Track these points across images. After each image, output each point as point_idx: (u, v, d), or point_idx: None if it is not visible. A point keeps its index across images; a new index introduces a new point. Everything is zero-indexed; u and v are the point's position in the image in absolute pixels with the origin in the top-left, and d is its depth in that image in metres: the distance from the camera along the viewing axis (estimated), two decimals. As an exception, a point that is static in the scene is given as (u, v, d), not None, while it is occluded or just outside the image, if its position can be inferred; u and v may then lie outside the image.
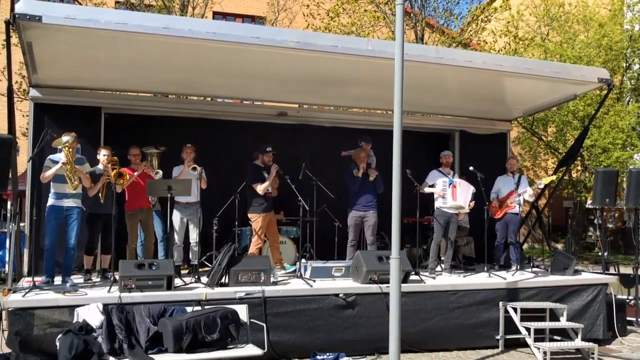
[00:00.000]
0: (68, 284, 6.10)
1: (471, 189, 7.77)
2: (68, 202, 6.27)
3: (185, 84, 8.38)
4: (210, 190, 7.38)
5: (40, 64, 6.86)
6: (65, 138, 6.15)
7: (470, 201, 7.76)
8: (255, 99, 9.66)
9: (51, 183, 6.27)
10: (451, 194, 7.70)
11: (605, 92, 8.77)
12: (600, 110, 12.12)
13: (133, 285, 5.67)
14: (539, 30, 18.22)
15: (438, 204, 7.79)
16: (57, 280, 6.29)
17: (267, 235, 7.55)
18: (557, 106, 12.99)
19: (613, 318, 7.43)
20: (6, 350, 5.45)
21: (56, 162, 6.18)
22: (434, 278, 7.26)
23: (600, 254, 10.68)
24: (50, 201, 6.29)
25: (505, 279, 7.19)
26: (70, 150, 6.18)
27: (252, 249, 7.44)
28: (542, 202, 11.41)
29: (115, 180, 6.54)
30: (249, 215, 7.49)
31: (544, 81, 7.84)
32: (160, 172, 7.11)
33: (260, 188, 7.35)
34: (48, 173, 6.16)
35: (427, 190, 7.87)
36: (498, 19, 15.66)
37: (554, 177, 8.99)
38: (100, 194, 6.61)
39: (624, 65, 17.06)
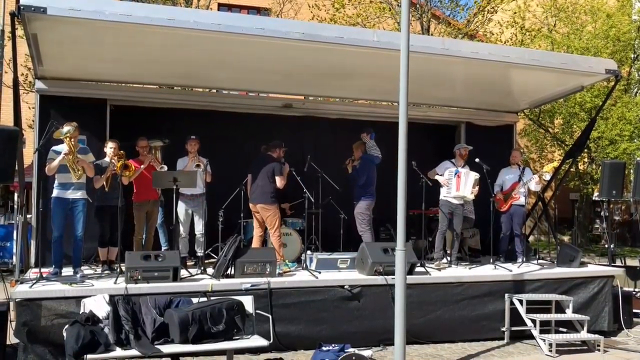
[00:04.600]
0: (78, 275, 6.14)
1: (471, 175, 7.77)
2: (73, 194, 6.29)
3: (191, 76, 8.37)
4: (216, 182, 7.39)
5: (46, 56, 6.86)
6: (65, 129, 6.15)
7: (474, 187, 7.75)
8: (261, 90, 9.64)
9: (56, 174, 6.29)
10: (455, 184, 7.69)
11: (612, 83, 8.68)
12: (608, 101, 12.01)
13: (139, 277, 5.71)
14: (546, 21, 18.06)
15: (443, 193, 7.80)
16: (65, 271, 6.33)
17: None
18: (564, 98, 12.91)
19: (619, 310, 7.41)
20: (14, 340, 5.50)
21: (59, 153, 6.20)
22: (439, 270, 7.25)
23: (606, 246, 10.63)
24: (55, 193, 6.31)
25: (510, 271, 7.18)
26: (72, 140, 6.19)
27: (280, 244, 7.29)
28: (549, 194, 11.35)
29: (121, 172, 6.56)
30: (267, 207, 7.22)
31: (551, 72, 7.78)
32: (165, 167, 7.13)
33: (282, 183, 7.28)
34: (52, 164, 6.19)
35: (436, 176, 7.87)
36: (504, 10, 15.53)
37: (555, 163, 8.96)
38: (105, 183, 6.63)
39: (632, 56, 16.90)
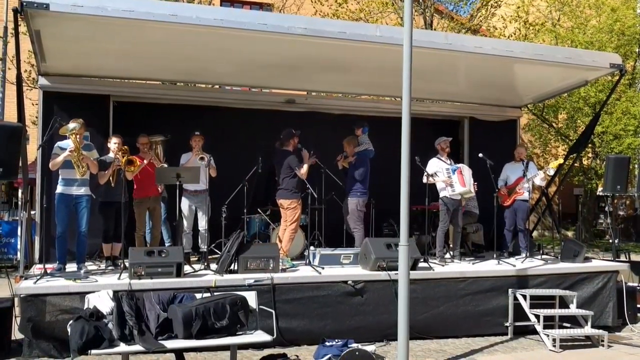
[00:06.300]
0: (82, 271, 6.16)
1: (467, 168, 7.76)
2: (77, 190, 6.31)
3: (194, 72, 8.36)
4: (219, 178, 7.39)
5: (49, 52, 6.87)
6: (72, 125, 6.17)
7: (473, 183, 7.73)
8: (263, 86, 9.62)
9: (59, 169, 6.31)
10: (459, 180, 7.64)
11: (617, 77, 8.64)
12: (612, 96, 11.96)
13: (143, 273, 5.73)
14: (549, 16, 17.98)
15: (445, 192, 7.70)
16: (69, 267, 6.35)
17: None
18: (568, 92, 12.85)
19: (623, 305, 7.38)
20: (19, 336, 5.53)
21: (64, 149, 6.21)
22: (442, 265, 7.24)
23: (610, 241, 10.60)
24: (59, 189, 6.33)
25: (514, 266, 7.16)
26: (78, 137, 6.21)
27: (289, 239, 7.25)
28: (552, 189, 11.33)
29: (125, 167, 6.57)
30: (288, 201, 7.23)
31: (555, 67, 7.75)
32: (166, 164, 7.13)
33: (304, 171, 7.24)
34: (57, 160, 6.21)
35: (431, 181, 7.69)
36: (508, 4, 15.47)
37: (561, 160, 8.94)
38: (111, 179, 6.65)
39: (637, 50, 16.83)
